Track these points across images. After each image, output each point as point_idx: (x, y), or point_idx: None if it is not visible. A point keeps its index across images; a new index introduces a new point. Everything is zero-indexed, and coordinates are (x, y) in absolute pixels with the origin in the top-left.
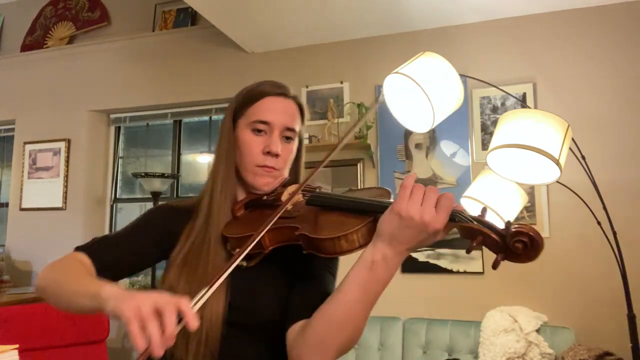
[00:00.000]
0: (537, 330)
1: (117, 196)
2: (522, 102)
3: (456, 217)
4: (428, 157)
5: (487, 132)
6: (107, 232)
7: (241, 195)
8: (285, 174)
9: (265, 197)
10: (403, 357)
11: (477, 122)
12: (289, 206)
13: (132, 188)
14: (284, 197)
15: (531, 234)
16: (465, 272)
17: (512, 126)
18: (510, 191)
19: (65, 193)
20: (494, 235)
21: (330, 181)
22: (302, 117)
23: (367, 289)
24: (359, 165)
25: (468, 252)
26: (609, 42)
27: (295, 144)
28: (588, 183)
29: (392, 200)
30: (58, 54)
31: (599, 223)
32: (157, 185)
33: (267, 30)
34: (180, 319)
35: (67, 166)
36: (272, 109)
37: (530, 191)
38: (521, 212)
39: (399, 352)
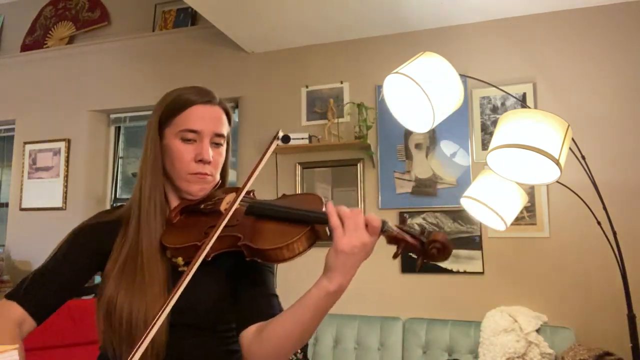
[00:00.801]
0: (537, 330)
1: (117, 196)
2: (522, 102)
3: (384, 227)
4: (428, 157)
5: (487, 132)
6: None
7: (174, 201)
8: (217, 178)
9: (202, 206)
10: (403, 357)
11: (477, 122)
12: (227, 218)
13: (132, 188)
14: (222, 206)
15: (444, 240)
16: (465, 272)
17: (512, 126)
18: (510, 191)
19: (65, 193)
20: (413, 242)
21: (331, 181)
22: (229, 120)
23: (322, 310)
24: (359, 165)
25: (394, 257)
26: (609, 42)
27: (224, 148)
28: (588, 183)
29: (324, 207)
30: (58, 54)
31: (599, 223)
32: None
33: (267, 30)
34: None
35: (67, 166)
36: (200, 117)
37: (530, 191)
38: (521, 212)
39: (399, 352)
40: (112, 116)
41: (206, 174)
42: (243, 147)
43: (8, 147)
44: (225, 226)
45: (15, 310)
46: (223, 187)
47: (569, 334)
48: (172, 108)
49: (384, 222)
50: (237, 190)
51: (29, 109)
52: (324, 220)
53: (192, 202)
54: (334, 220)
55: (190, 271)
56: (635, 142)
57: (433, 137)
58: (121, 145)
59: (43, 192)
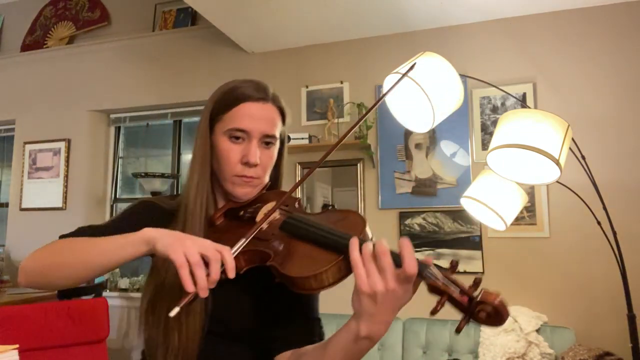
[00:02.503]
0: (537, 330)
1: (117, 196)
2: (522, 102)
3: (424, 272)
4: (428, 157)
5: (487, 132)
6: None
7: (221, 201)
8: (266, 180)
9: (242, 212)
10: (403, 357)
11: (477, 122)
12: (264, 226)
13: (132, 188)
14: (259, 216)
15: (496, 304)
16: (465, 272)
17: (512, 126)
18: (510, 191)
19: (65, 193)
20: (458, 297)
21: (331, 181)
22: (283, 119)
23: (354, 355)
24: (359, 165)
25: (432, 314)
26: (609, 42)
27: (275, 149)
28: (588, 183)
29: (367, 232)
30: (58, 54)
31: (599, 223)
32: (157, 185)
33: (267, 30)
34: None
35: (67, 166)
36: (249, 116)
37: (530, 191)
38: (521, 212)
39: (399, 352)
40: (112, 116)
41: (252, 177)
42: None
43: (8, 147)
44: (258, 239)
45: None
46: (274, 189)
47: (569, 334)
48: (223, 103)
49: (423, 266)
50: (279, 198)
51: (29, 109)
52: (346, 251)
53: (237, 205)
54: (355, 255)
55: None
56: (635, 142)
57: (433, 137)
58: (121, 145)
59: (43, 192)
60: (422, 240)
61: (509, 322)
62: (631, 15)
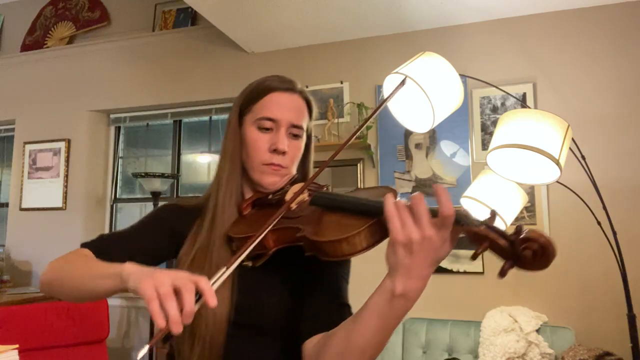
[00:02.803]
0: (537, 330)
1: (117, 196)
2: (522, 102)
3: (462, 221)
4: (428, 157)
5: (487, 132)
6: (107, 232)
7: (248, 194)
8: (293, 171)
9: (270, 196)
10: (403, 357)
11: (477, 122)
12: (293, 206)
13: (132, 188)
14: (288, 196)
15: (542, 241)
16: (465, 272)
17: (512, 126)
18: (510, 191)
19: (65, 193)
20: (501, 241)
21: (331, 181)
22: (309, 112)
23: (390, 318)
24: (359, 165)
25: (473, 258)
26: (609, 42)
27: (302, 141)
28: (588, 183)
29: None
30: (58, 54)
31: (599, 223)
32: (157, 185)
33: (267, 30)
34: (199, 297)
35: (67, 166)
36: (278, 105)
37: (530, 191)
38: (521, 212)
39: (399, 352)
40: (112, 116)
41: (280, 165)
42: None
43: (8, 147)
44: (288, 218)
45: (92, 256)
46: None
47: (569, 334)
48: (252, 95)
49: (461, 214)
50: (306, 181)
51: (29, 109)
52: (380, 209)
53: (264, 195)
54: (390, 206)
55: (245, 250)
56: (635, 142)
57: (433, 137)
58: (121, 145)
59: (43, 192)
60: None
61: (509, 322)
62: (631, 15)
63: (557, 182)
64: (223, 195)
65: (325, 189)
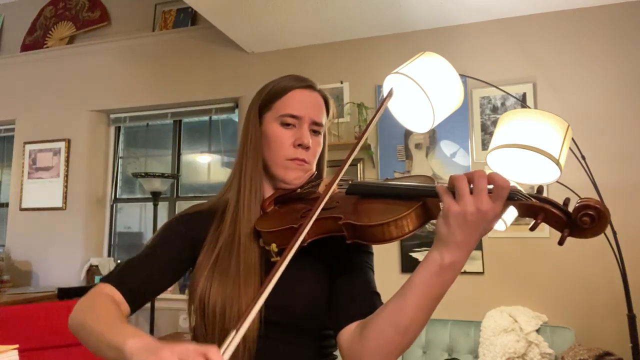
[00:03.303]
0: (537, 330)
1: (117, 196)
2: (522, 102)
3: (515, 196)
4: (428, 157)
5: (487, 132)
6: (107, 232)
7: (268, 191)
8: (314, 168)
9: (299, 190)
10: (403, 357)
11: (477, 122)
12: (327, 197)
13: (132, 188)
14: (320, 188)
15: (598, 206)
16: (465, 272)
17: (512, 126)
18: None
19: (65, 193)
20: (557, 212)
21: None
22: (327, 110)
23: (433, 294)
24: (359, 165)
25: (532, 229)
26: (609, 42)
27: (322, 138)
28: (588, 183)
29: (435, 184)
30: (58, 54)
31: None
32: (157, 185)
33: (267, 30)
34: None
35: (67, 166)
36: (300, 102)
37: (530, 191)
38: None
39: None
40: (112, 116)
41: (304, 160)
42: None
43: (8, 147)
44: (323, 209)
45: (114, 292)
46: (319, 180)
47: (569, 334)
48: (272, 93)
49: (515, 189)
50: (335, 175)
51: (29, 109)
52: (426, 192)
53: (286, 192)
54: (453, 181)
55: (289, 252)
56: (635, 142)
57: (433, 137)
58: (121, 145)
59: (43, 192)
60: (422, 240)
61: (509, 322)
62: (631, 15)
63: (557, 182)
64: (248, 193)
65: (351, 181)
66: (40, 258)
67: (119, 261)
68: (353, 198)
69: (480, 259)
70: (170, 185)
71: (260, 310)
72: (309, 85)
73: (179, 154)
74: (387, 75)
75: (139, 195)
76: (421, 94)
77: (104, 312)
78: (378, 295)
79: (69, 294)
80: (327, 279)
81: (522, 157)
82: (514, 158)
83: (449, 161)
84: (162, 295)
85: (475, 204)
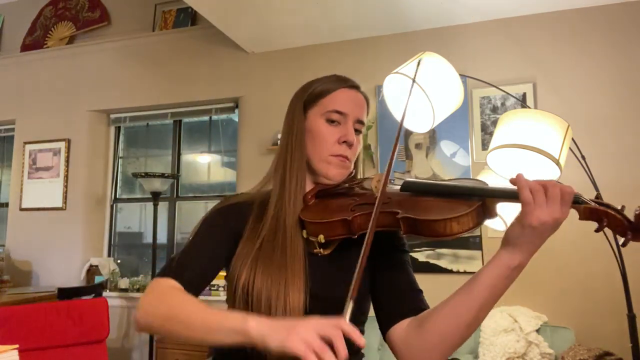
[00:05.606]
0: (537, 330)
1: (117, 196)
2: (522, 102)
3: (580, 200)
4: (428, 157)
5: (487, 132)
6: (107, 232)
7: (308, 185)
8: (352, 166)
9: (347, 184)
10: None
11: (477, 122)
12: (377, 193)
13: (132, 188)
14: (372, 184)
15: None
16: (465, 272)
17: (512, 126)
18: None
19: (65, 193)
20: (620, 217)
21: None
22: (367, 111)
23: (499, 293)
24: (359, 165)
25: (597, 232)
26: (609, 42)
27: (361, 137)
28: (588, 183)
29: (489, 186)
30: (58, 54)
31: None
32: (157, 185)
33: (267, 30)
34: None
35: (67, 166)
36: (347, 100)
37: None
38: None
39: None
40: (112, 116)
41: (347, 157)
42: (243, 147)
43: (8, 147)
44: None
45: (176, 284)
46: (355, 179)
47: (569, 334)
48: (317, 90)
49: (578, 195)
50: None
51: (29, 109)
52: (509, 194)
53: (327, 186)
54: (526, 194)
55: (370, 238)
56: (635, 142)
57: (433, 137)
58: (121, 145)
59: (43, 192)
60: (422, 240)
61: (509, 322)
62: (631, 15)
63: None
64: (294, 185)
65: (392, 180)
66: (40, 258)
67: (119, 261)
68: (405, 195)
69: (480, 259)
70: (170, 185)
71: (305, 300)
72: (355, 86)
73: (179, 154)
74: (387, 75)
75: (139, 195)
76: (421, 94)
77: (188, 301)
78: (422, 291)
79: (69, 294)
80: (370, 274)
81: (522, 157)
82: (514, 158)
83: (449, 161)
84: None
85: (552, 214)
